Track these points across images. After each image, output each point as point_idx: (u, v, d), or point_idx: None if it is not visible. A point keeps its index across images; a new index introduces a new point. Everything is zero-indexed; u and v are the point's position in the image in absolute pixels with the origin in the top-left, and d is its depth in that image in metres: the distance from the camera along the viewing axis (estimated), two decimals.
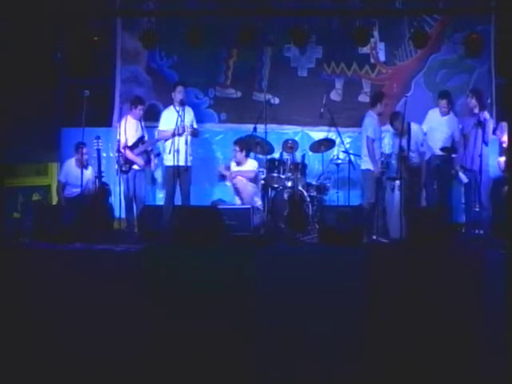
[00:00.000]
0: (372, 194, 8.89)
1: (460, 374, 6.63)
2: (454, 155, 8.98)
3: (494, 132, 8.82)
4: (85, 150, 9.17)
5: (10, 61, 8.15)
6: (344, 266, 6.89)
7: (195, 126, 9.15)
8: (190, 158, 8.93)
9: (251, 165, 9.45)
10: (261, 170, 9.57)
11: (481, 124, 8.32)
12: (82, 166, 9.14)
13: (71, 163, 9.31)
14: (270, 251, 7.39)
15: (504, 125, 8.90)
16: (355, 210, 7.95)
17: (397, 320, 6.72)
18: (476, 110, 8.54)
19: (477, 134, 8.39)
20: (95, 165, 8.82)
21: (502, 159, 8.76)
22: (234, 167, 9.49)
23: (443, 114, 8.99)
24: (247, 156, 9.44)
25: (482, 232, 8.03)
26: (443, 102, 8.97)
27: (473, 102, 8.59)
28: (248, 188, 9.26)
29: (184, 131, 8.75)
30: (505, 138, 8.79)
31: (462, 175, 8.72)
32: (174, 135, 8.72)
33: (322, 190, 9.47)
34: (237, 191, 9.31)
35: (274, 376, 6.79)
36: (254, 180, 9.38)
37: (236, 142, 9.45)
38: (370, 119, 8.98)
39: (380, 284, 6.78)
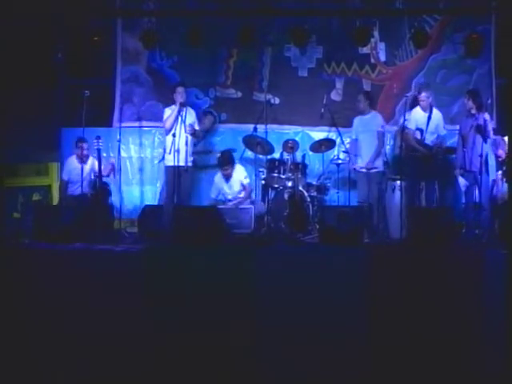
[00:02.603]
0: (364, 194, 8.99)
1: (460, 374, 6.63)
2: (453, 155, 9.04)
3: (494, 132, 8.81)
4: (85, 146, 9.10)
5: (10, 61, 8.15)
6: (344, 266, 6.89)
7: (196, 127, 9.11)
8: (190, 159, 8.92)
9: (239, 174, 9.38)
10: (261, 170, 9.57)
11: (480, 127, 8.31)
12: (82, 161, 9.07)
13: (72, 160, 9.22)
14: (270, 251, 7.39)
15: (499, 139, 8.89)
16: (355, 210, 7.96)
17: (397, 320, 6.72)
18: (473, 111, 8.54)
19: (475, 135, 8.40)
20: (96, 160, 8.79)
21: (500, 173, 8.76)
22: (221, 183, 9.38)
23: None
24: (232, 167, 9.35)
25: (482, 232, 8.02)
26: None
27: (469, 103, 8.59)
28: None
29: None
30: (500, 153, 8.80)
31: (461, 180, 8.72)
32: (174, 135, 8.69)
33: (323, 190, 9.47)
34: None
35: (275, 376, 6.79)
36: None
37: (219, 165, 9.38)
38: (355, 120, 9.38)
39: (380, 284, 6.78)
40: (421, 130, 8.77)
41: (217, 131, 10.39)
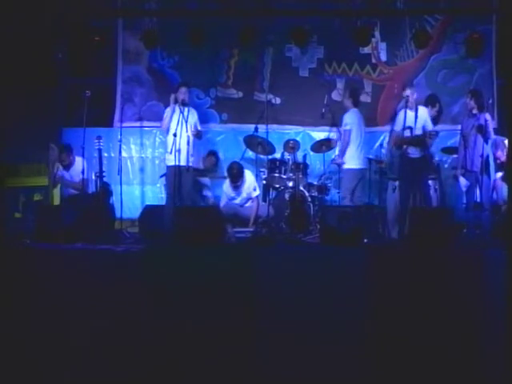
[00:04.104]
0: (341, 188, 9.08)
1: (460, 374, 6.62)
2: (454, 155, 9.04)
3: (495, 132, 8.80)
4: (63, 156, 9.30)
5: (11, 61, 8.16)
6: (345, 267, 6.88)
7: (199, 127, 9.10)
8: (191, 159, 8.92)
9: (249, 182, 9.46)
10: (262, 170, 9.59)
11: (481, 127, 8.30)
12: (65, 168, 9.35)
13: (58, 166, 9.45)
14: (270, 251, 7.38)
15: (499, 140, 8.88)
16: (356, 211, 7.95)
17: (397, 320, 6.71)
18: (475, 111, 8.52)
19: (476, 135, 8.38)
20: (96, 164, 8.80)
21: (499, 175, 8.75)
22: (230, 191, 9.49)
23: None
24: (242, 179, 9.42)
25: (482, 232, 8.02)
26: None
27: (471, 103, 8.56)
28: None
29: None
30: (499, 154, 8.79)
31: (462, 180, 8.71)
32: (175, 135, 8.68)
33: (324, 190, 9.49)
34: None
35: (275, 376, 6.79)
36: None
37: (229, 173, 9.42)
38: None
39: (380, 284, 6.77)
40: (410, 128, 8.62)
41: (218, 171, 10.33)
